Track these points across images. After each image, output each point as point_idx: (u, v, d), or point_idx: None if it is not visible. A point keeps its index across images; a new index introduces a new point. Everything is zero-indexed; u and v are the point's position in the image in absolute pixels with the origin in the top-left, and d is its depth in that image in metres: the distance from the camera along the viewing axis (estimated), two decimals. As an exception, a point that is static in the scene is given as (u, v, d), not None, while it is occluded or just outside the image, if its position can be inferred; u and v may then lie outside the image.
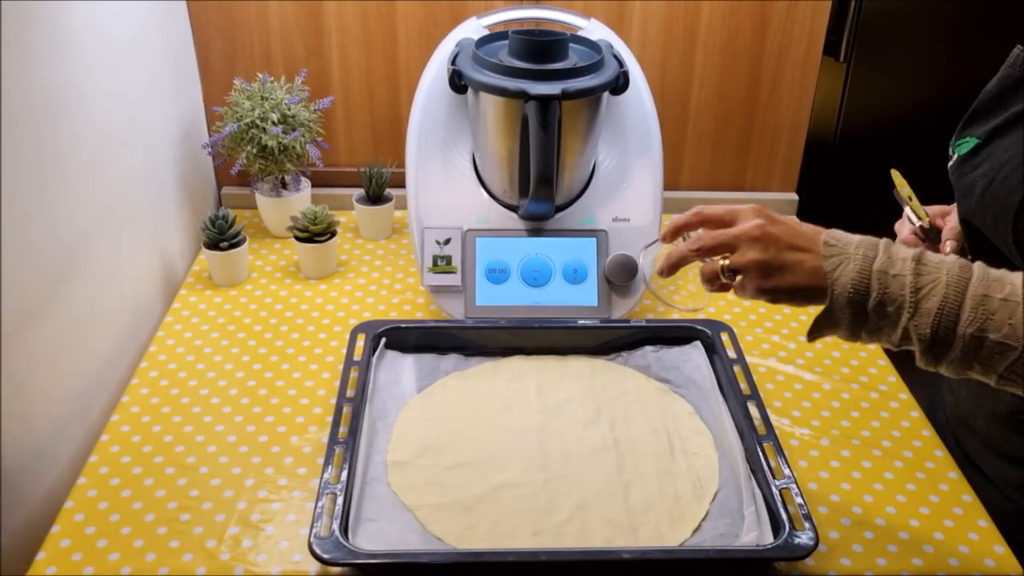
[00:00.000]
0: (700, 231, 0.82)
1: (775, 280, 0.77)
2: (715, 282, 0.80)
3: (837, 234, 0.78)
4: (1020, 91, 0.95)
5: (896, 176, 1.11)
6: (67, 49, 1.08)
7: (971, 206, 0.96)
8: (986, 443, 1.08)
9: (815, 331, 0.79)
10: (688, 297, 0.83)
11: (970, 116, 1.01)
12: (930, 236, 1.08)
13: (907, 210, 1.09)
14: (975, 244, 0.99)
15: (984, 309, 0.71)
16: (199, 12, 1.51)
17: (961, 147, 1.00)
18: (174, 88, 1.46)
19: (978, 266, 0.75)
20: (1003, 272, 0.74)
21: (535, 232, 1.32)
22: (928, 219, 1.08)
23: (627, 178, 1.35)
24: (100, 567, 0.92)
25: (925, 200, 1.11)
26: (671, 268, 0.83)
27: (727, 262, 0.78)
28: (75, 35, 1.10)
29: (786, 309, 1.39)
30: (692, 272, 0.83)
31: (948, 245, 1.05)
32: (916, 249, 0.76)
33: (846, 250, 0.76)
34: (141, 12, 1.31)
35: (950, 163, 1.02)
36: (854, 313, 0.75)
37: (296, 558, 0.94)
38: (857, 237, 0.78)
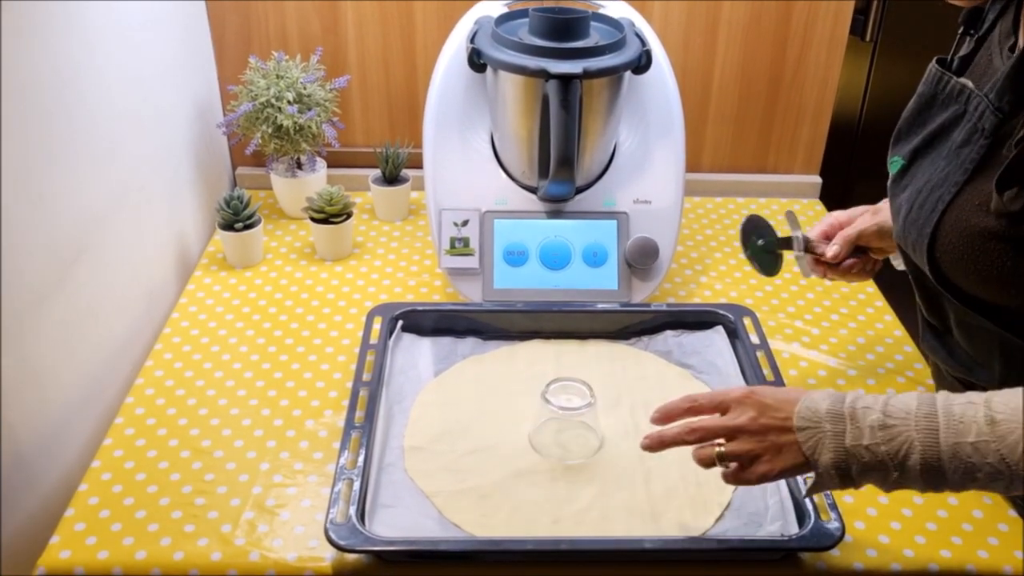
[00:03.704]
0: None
1: (771, 465, 0.80)
2: (709, 466, 0.84)
3: (805, 410, 0.80)
4: (934, 110, 0.93)
5: (751, 226, 1.14)
6: (82, 29, 1.06)
7: (898, 231, 0.96)
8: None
9: (813, 491, 0.82)
10: None
11: (896, 135, 1.00)
12: (818, 256, 1.10)
13: (794, 254, 1.12)
14: (911, 266, 0.98)
15: (961, 459, 0.74)
16: (214, -11, 1.49)
17: (892, 167, 0.99)
18: (189, 67, 1.45)
19: (941, 406, 0.76)
20: (964, 407, 0.75)
21: (554, 214, 1.30)
22: (805, 241, 1.10)
23: (648, 159, 1.32)
24: (114, 551, 0.91)
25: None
26: (661, 446, 0.86)
27: (723, 450, 0.82)
28: (90, 15, 1.08)
29: (809, 294, 1.37)
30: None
31: (831, 249, 1.08)
32: (877, 412, 0.77)
33: (820, 427, 0.78)
34: (155, -12, 1.29)
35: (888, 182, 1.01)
36: (842, 479, 0.78)
37: (312, 544, 0.93)
38: (825, 407, 0.79)
